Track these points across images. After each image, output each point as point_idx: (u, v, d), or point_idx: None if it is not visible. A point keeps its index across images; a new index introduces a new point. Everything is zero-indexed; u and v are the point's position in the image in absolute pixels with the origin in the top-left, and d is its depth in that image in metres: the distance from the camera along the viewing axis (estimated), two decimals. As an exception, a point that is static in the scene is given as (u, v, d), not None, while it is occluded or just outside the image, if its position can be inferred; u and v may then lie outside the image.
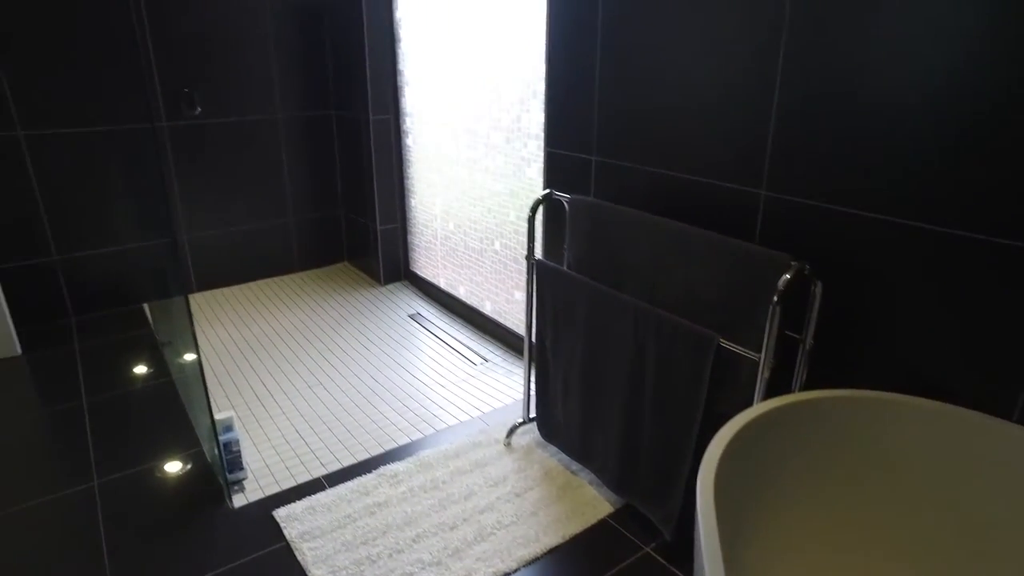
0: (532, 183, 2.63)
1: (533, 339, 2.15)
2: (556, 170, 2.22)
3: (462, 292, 3.31)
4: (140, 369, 2.91)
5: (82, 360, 2.97)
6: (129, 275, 3.50)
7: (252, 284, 3.88)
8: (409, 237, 3.73)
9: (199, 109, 3.46)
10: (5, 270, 3.08)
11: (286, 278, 3.96)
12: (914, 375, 1.35)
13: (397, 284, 3.81)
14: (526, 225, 2.70)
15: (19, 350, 3.04)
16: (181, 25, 3.30)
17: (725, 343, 1.45)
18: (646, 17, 1.78)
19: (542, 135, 2.49)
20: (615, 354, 1.78)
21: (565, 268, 2.02)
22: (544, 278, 2.00)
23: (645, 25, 1.79)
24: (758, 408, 1.23)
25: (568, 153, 2.16)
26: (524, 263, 2.77)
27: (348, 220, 4.01)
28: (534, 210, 2.00)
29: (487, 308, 3.13)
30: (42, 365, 2.96)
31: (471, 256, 3.16)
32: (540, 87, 2.45)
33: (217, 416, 2.06)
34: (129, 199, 3.38)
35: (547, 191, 2.04)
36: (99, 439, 2.37)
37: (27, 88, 3.03)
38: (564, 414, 2.06)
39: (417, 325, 3.32)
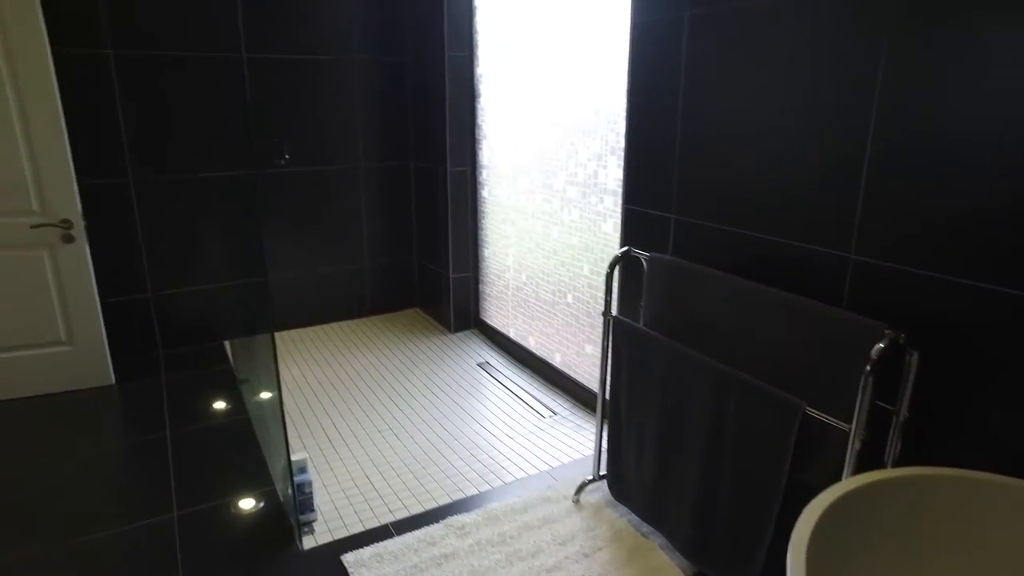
0: (607, 238, 2.65)
1: (607, 395, 2.13)
2: (633, 226, 2.23)
3: (532, 343, 3.32)
4: (220, 404, 3.02)
5: (168, 392, 3.11)
6: (212, 313, 3.67)
7: (326, 326, 4.00)
8: (480, 286, 3.78)
9: (287, 158, 3.66)
10: (107, 304, 3.28)
11: (359, 322, 4.06)
12: (1017, 453, 1.27)
13: (467, 332, 3.86)
14: (599, 279, 2.71)
15: (113, 380, 3.21)
16: (275, 80, 3.52)
17: (812, 411, 1.40)
18: (730, 75, 1.79)
19: (619, 191, 2.51)
20: (692, 415, 1.74)
21: (641, 325, 2.01)
22: (621, 335, 1.99)
23: (729, 83, 1.80)
24: (851, 483, 1.18)
25: (646, 210, 2.17)
26: (596, 317, 2.76)
27: (421, 268, 4.11)
28: (612, 267, 2.01)
29: (557, 360, 3.12)
30: (132, 395, 3.11)
31: (542, 308, 3.18)
32: (618, 144, 2.49)
33: (292, 457, 2.11)
34: (217, 241, 3.57)
35: (625, 248, 2.05)
36: (180, 471, 2.46)
37: (141, 137, 3.27)
38: (637, 474, 2.02)
39: (486, 374, 3.34)
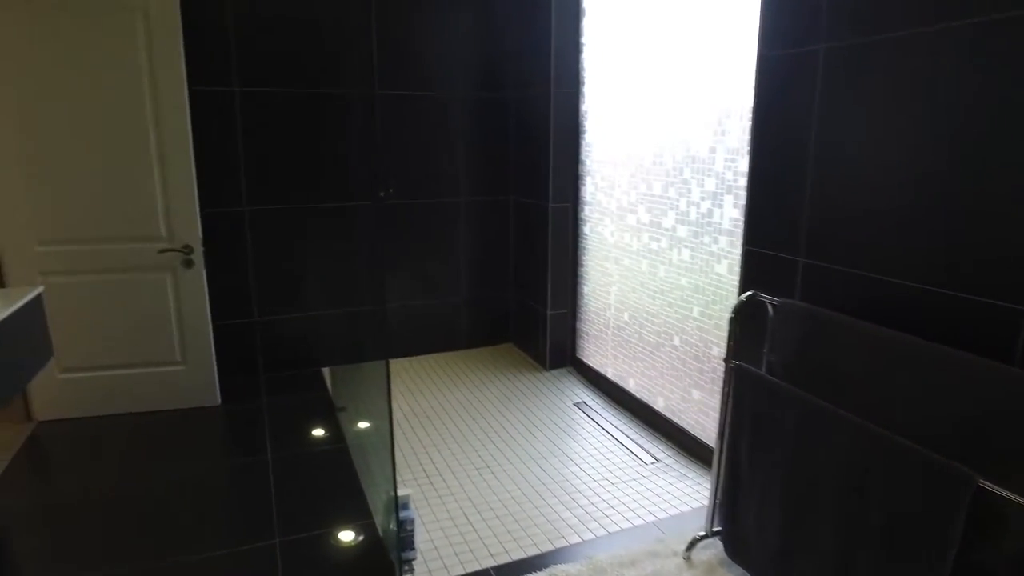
0: (721, 280, 2.53)
1: (724, 447, 2.00)
2: (755, 269, 2.12)
3: (632, 385, 3.21)
4: (318, 431, 3.06)
5: (269, 416, 3.18)
6: (311, 339, 3.75)
7: (421, 358, 4.02)
8: (578, 324, 3.71)
9: (391, 191, 3.73)
10: (217, 327, 3.41)
11: (454, 355, 4.06)
12: None
13: (562, 370, 3.78)
14: (710, 322, 2.58)
15: (219, 400, 3.31)
16: (382, 115, 3.62)
17: (987, 484, 1.25)
18: (874, 112, 1.68)
19: (736, 231, 2.41)
20: (829, 477, 1.60)
21: (765, 374, 1.88)
22: (745, 385, 1.87)
23: (872, 121, 1.68)
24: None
25: (770, 252, 2.06)
26: (705, 362, 2.63)
27: (518, 303, 4.08)
28: (737, 311, 1.90)
29: (659, 404, 3.00)
30: (236, 417, 3.20)
31: (645, 349, 3.07)
32: (736, 182, 2.39)
33: (392, 494, 2.08)
34: (320, 270, 3.67)
35: (750, 293, 1.94)
36: (282, 497, 2.48)
37: (255, 168, 3.43)
38: (758, 535, 1.87)
39: (582, 414, 3.24)
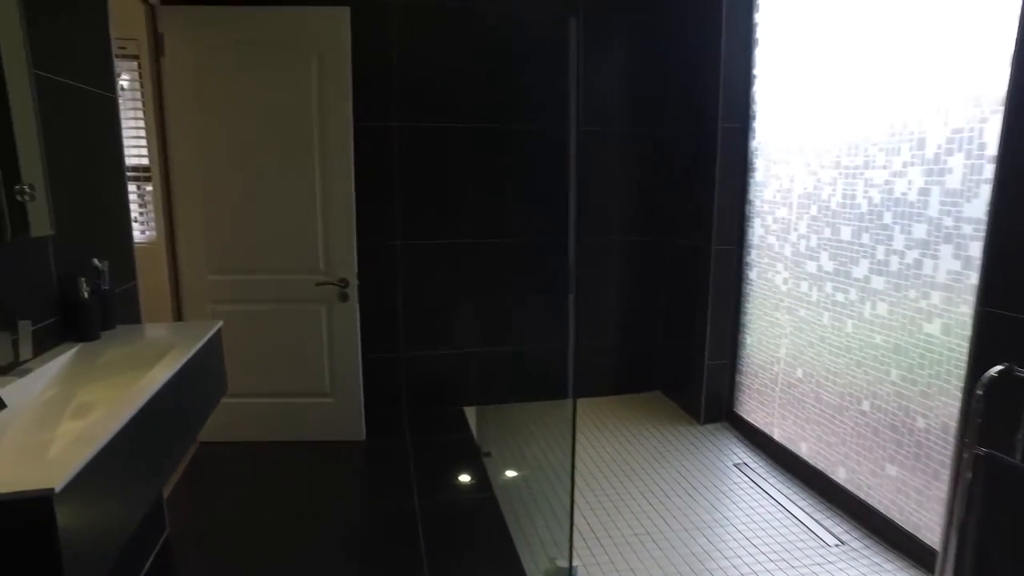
0: (930, 341, 2.19)
1: (957, 550, 1.67)
2: (999, 336, 1.79)
3: (804, 450, 2.87)
4: (463, 477, 2.95)
5: (413, 455, 3.11)
6: (455, 377, 3.68)
7: (564, 402, 3.84)
8: (738, 376, 3.41)
9: (535, 228, 3.63)
10: (365, 360, 3.42)
11: (599, 400, 3.86)
12: None
13: (718, 425, 3.48)
14: (912, 388, 2.24)
15: (364, 435, 3.29)
16: (532, 149, 3.54)
17: None
18: None
19: (952, 286, 2.08)
20: None
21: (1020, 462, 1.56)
22: (1004, 482, 1.55)
23: None
24: None
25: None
26: (905, 434, 2.28)
27: (669, 349, 3.83)
28: (988, 387, 1.59)
29: (840, 475, 2.65)
30: (380, 454, 3.16)
31: (824, 411, 2.74)
32: (958, 228, 2.06)
33: (559, 563, 1.91)
34: (468, 306, 3.60)
35: (1004, 366, 1.62)
36: (428, 547, 2.37)
37: (409, 203, 3.43)
38: (1010, 665, 1.53)
39: (744, 477, 2.94)
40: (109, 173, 2.12)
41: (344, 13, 2.92)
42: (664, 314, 3.84)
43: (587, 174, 3.66)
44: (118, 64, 3.34)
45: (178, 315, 3.14)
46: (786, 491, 2.81)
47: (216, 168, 3.00)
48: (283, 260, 3.09)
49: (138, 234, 3.57)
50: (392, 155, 3.38)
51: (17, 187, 1.54)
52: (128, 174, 3.46)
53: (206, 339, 1.83)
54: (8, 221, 1.48)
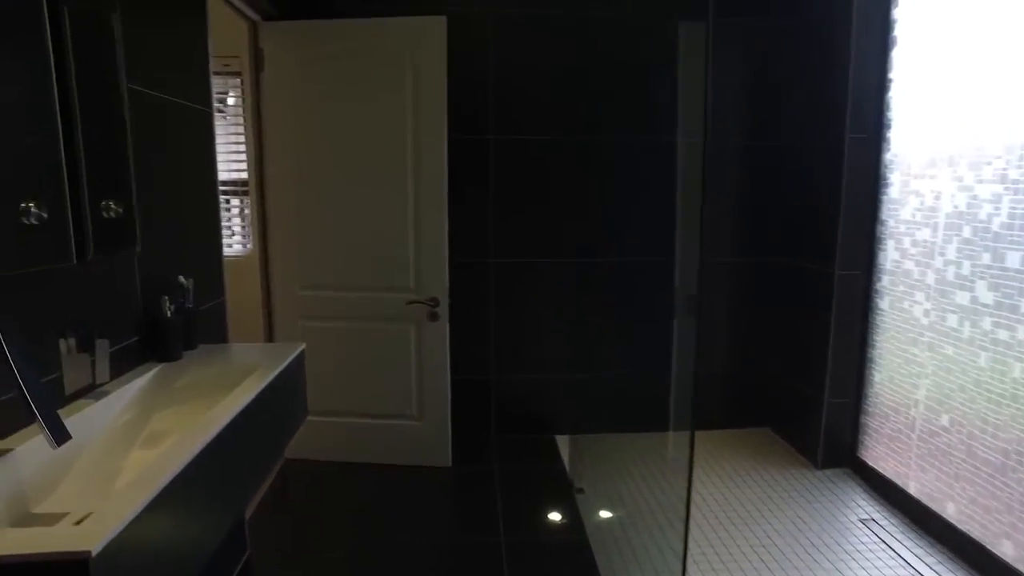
0: None
1: None
2: None
3: (951, 511, 2.48)
4: (554, 515, 2.74)
5: (500, 486, 2.94)
6: (547, 403, 3.48)
7: (661, 434, 3.56)
8: (863, 418, 3.03)
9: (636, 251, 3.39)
10: (453, 382, 3.28)
11: (700, 434, 3.54)
12: None
13: (837, 471, 3.10)
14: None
15: (450, 461, 3.14)
16: (631, 164, 3.31)
17: None
18: None
19: None
20: None
21: None
22: None
23: None
24: None
25: None
26: (1096, 506, 1.89)
27: (781, 383, 3.48)
28: None
29: (1005, 550, 2.24)
30: (467, 482, 3.00)
31: (978, 468, 2.34)
32: None
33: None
34: (563, 328, 3.40)
35: None
36: (520, 598, 2.18)
37: (503, 219, 3.28)
38: None
39: (874, 536, 2.57)
40: (202, 187, 2.07)
41: (440, 23, 2.82)
42: (778, 344, 3.49)
43: (691, 188, 3.39)
44: (224, 81, 3.42)
45: (269, 330, 3.12)
46: (928, 558, 2.43)
47: (309, 182, 2.96)
48: (374, 277, 3.00)
49: (239, 247, 3.60)
50: (487, 169, 3.24)
51: (104, 203, 1.48)
52: (231, 188, 3.54)
53: (286, 363, 1.73)
54: (91, 238, 1.41)
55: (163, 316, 1.68)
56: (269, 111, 2.94)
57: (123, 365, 1.59)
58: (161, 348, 1.69)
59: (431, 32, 2.82)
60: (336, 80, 2.88)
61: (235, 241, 3.64)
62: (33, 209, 1.23)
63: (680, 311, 3.24)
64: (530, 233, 3.31)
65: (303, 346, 1.88)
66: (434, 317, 2.99)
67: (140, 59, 1.65)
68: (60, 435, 1.12)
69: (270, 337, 3.12)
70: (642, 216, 3.33)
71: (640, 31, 3.20)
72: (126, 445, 1.35)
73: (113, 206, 1.49)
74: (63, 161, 1.30)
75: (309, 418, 3.19)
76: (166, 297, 1.69)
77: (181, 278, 1.81)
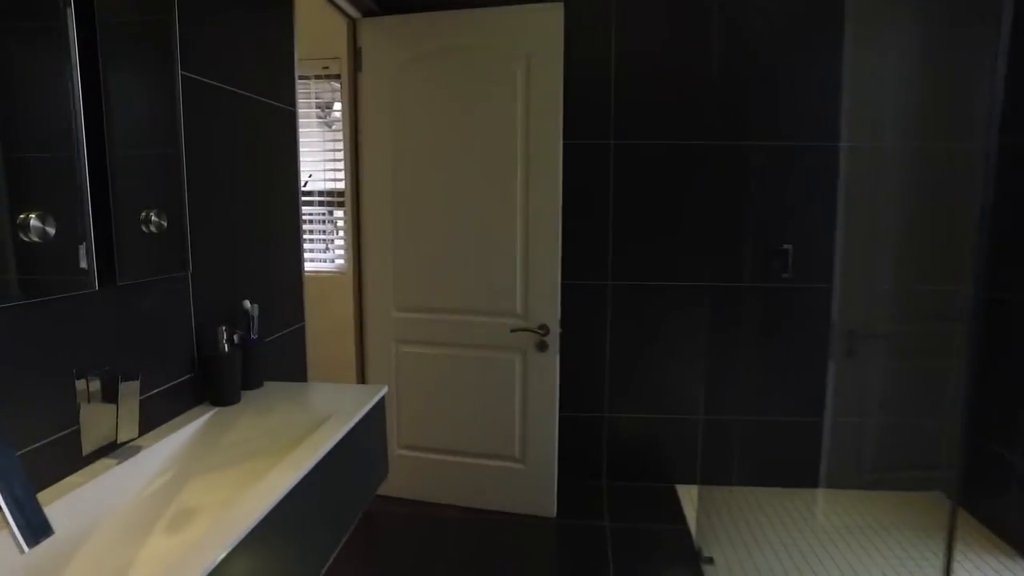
0: None
1: None
2: None
3: None
4: (679, 591, 2.27)
5: (612, 545, 2.50)
6: (668, 448, 3.00)
7: (793, 491, 2.98)
8: (1092, 497, 2.35)
9: (788, 272, 2.85)
10: (563, 418, 2.89)
11: (848, 494, 2.95)
12: None
13: (1050, 563, 2.43)
14: None
15: (555, 511, 2.74)
16: (777, 174, 2.78)
17: None
18: None
19: None
20: None
21: None
22: None
23: None
24: None
25: None
26: None
27: (967, 437, 2.82)
28: None
29: None
30: (573, 539, 2.58)
31: None
32: None
33: None
34: (688, 362, 2.92)
35: None
36: None
37: (623, 235, 2.86)
38: None
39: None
40: (281, 196, 1.80)
41: (556, 11, 2.45)
42: (958, 390, 2.84)
43: (831, 199, 2.82)
44: (328, 85, 3.22)
45: (361, 353, 2.85)
46: None
47: (406, 192, 2.67)
48: (475, 300, 2.66)
49: (343, 263, 3.38)
50: (607, 178, 2.83)
51: (143, 215, 1.20)
52: (336, 199, 3.35)
53: (363, 413, 1.39)
54: (125, 258, 1.13)
55: (218, 351, 1.39)
56: (366, 114, 2.68)
57: (167, 410, 1.31)
58: (214, 390, 1.40)
59: (546, 21, 2.46)
60: (438, 79, 2.58)
61: (339, 256, 3.42)
62: (35, 223, 0.95)
63: (838, 348, 2.68)
64: (657, 252, 2.86)
65: (384, 390, 1.55)
66: (543, 347, 2.61)
67: (210, 48, 1.38)
68: (35, 532, 0.82)
69: (362, 362, 2.85)
70: (796, 234, 2.80)
71: (794, 17, 2.69)
72: (144, 527, 1.05)
73: (155, 219, 1.21)
74: (81, 161, 1.02)
75: (402, 452, 2.92)
76: (223, 328, 1.40)
77: (246, 303, 1.53)
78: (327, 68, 3.02)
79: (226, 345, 1.40)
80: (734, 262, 2.83)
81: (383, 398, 1.54)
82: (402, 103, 2.63)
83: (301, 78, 3.09)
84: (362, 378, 2.88)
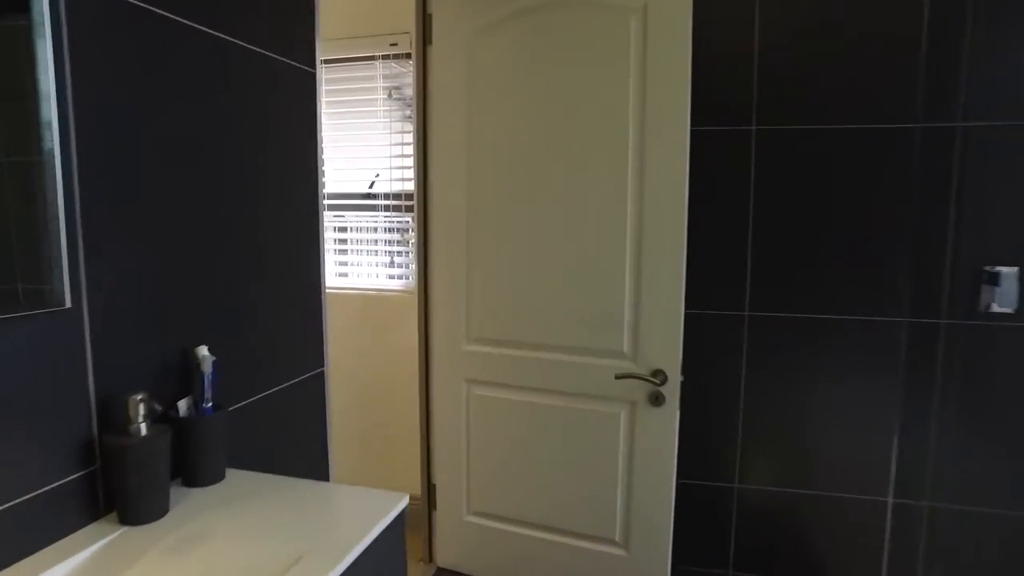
0: None
1: None
2: None
3: None
4: None
5: None
6: (819, 527, 2.24)
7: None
8: None
9: (1010, 306, 2.02)
10: (684, 485, 2.20)
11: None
12: None
13: None
14: None
15: (668, 617, 2.05)
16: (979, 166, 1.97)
17: None
18: None
19: None
20: None
21: None
22: None
23: None
24: None
25: None
26: None
27: None
28: None
29: None
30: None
31: None
32: None
33: None
34: (848, 418, 2.15)
35: None
36: None
37: (767, 260, 2.14)
38: None
39: None
40: (287, 189, 1.26)
41: (685, -53, 1.81)
42: None
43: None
44: (391, 67, 2.69)
45: (425, 392, 2.30)
46: None
47: (484, 194, 2.10)
48: (570, 333, 2.04)
49: (412, 281, 2.86)
50: (746, 175, 2.14)
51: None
52: (396, 203, 2.82)
53: (360, 549, 0.81)
54: None
55: (129, 433, 0.85)
56: (436, 98, 2.14)
57: (31, 536, 0.78)
58: (121, 497, 0.86)
59: (670, -38, 1.83)
60: (522, 49, 2.00)
61: (409, 271, 2.90)
62: None
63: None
64: (816, 273, 2.12)
65: (403, 503, 0.96)
66: (657, 400, 1.94)
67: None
68: None
69: (426, 404, 2.30)
70: (1020, 252, 1.98)
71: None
72: None
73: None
74: None
75: (467, 518, 2.34)
76: (141, 397, 0.86)
77: (201, 351, 0.98)
78: (395, 45, 2.50)
79: (142, 424, 0.85)
80: (938, 286, 2.05)
81: (402, 515, 0.94)
82: (478, 82, 2.06)
83: (364, 59, 2.61)
84: (426, 425, 2.33)
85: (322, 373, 1.38)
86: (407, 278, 2.76)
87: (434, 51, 2.13)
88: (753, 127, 2.11)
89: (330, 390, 1.39)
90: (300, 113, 1.30)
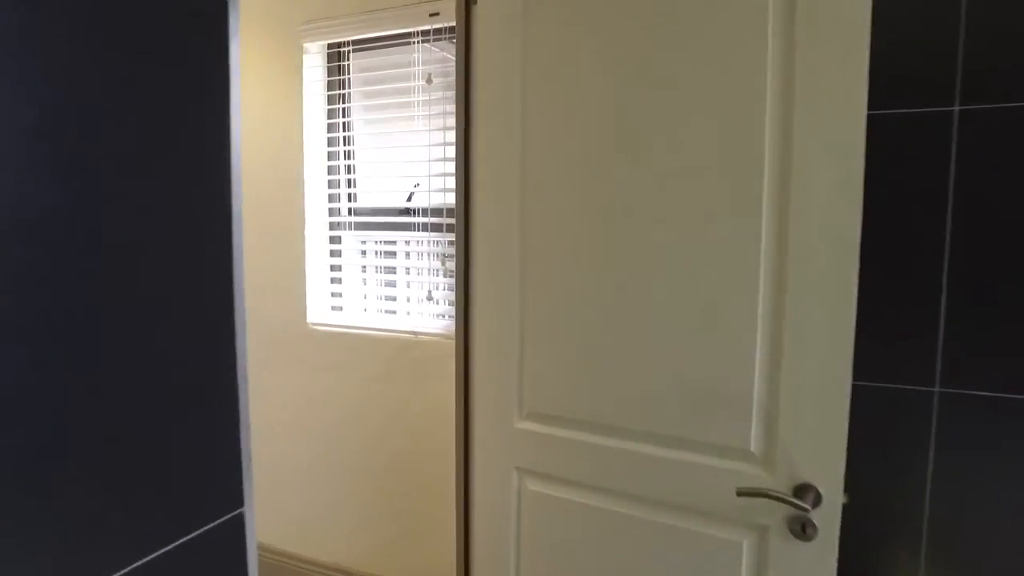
0: None
1: None
2: None
3: None
4: None
5: None
6: None
7: None
8: None
9: None
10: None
11: None
12: None
13: None
14: None
15: None
16: None
17: None
18: None
19: None
20: None
21: None
22: None
23: None
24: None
25: None
26: None
27: None
28: None
29: None
30: None
31: None
32: None
33: None
34: None
35: None
36: None
37: (966, 313, 1.41)
38: None
39: None
40: (138, 192, 0.67)
41: None
42: None
43: None
44: (430, 51, 2.09)
45: (465, 483, 1.69)
46: None
47: (545, 211, 1.47)
48: (664, 415, 1.38)
49: (447, 321, 2.26)
50: (942, 176, 1.42)
51: None
52: (437, 221, 2.21)
53: None
54: None
55: None
56: (482, 79, 1.54)
57: None
58: None
59: None
60: (606, 10, 1.36)
61: (448, 310, 2.30)
62: None
63: None
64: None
65: None
66: (804, 530, 1.25)
67: None
68: None
69: (465, 498, 1.68)
70: None
71: None
72: None
73: None
74: None
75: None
76: None
77: None
78: (437, 15, 1.91)
79: None
80: None
81: None
82: (538, 54, 1.45)
83: (400, 39, 1.97)
84: (465, 528, 1.71)
85: (239, 517, 0.78)
86: (448, 316, 2.16)
87: (479, 10, 1.53)
88: (956, 107, 1.39)
89: (253, 546, 0.79)
90: (188, 63, 0.72)
